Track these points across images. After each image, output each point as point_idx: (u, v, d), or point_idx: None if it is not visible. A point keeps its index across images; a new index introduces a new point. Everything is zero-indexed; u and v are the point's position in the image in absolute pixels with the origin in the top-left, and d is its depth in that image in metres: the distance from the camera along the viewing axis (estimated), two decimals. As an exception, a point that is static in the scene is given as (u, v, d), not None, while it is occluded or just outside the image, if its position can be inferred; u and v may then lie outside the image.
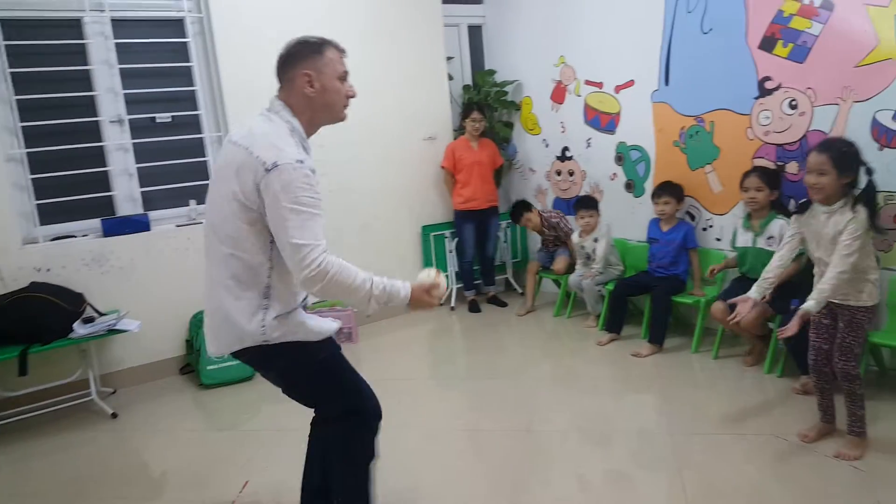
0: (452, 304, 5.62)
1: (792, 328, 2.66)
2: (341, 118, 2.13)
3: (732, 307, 2.99)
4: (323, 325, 2.09)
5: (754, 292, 2.92)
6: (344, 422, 2.17)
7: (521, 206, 5.36)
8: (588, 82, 5.04)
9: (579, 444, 3.12)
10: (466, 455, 3.13)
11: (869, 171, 2.69)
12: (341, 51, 2.08)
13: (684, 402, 3.47)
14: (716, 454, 2.90)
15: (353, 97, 2.11)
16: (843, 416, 2.84)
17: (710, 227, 4.36)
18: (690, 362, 4.01)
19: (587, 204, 4.86)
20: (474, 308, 5.51)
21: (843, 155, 2.65)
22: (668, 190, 4.34)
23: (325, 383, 2.14)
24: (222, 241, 1.98)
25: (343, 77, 2.07)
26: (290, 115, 2.02)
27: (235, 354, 2.05)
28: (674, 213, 4.35)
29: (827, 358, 2.84)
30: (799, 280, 3.53)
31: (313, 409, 2.24)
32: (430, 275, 2.06)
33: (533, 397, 3.67)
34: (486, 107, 5.61)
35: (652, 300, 4.29)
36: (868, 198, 2.66)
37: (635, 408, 3.49)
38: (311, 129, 2.08)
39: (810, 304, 2.65)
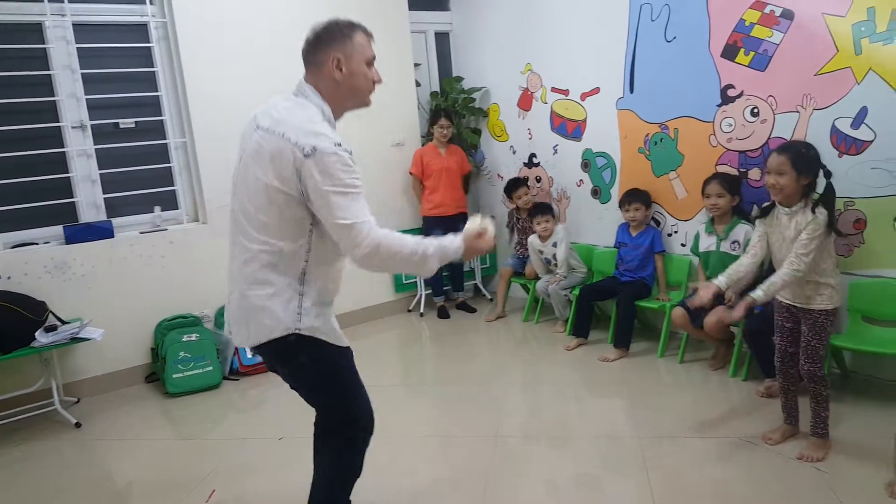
0: (421, 310, 5.61)
1: (738, 313, 2.72)
2: (366, 104, 2.13)
3: (689, 311, 3.01)
4: (343, 336, 2.11)
5: (721, 281, 2.90)
6: (340, 436, 2.18)
7: (520, 182, 5.29)
8: (554, 89, 5.09)
9: (548, 449, 3.14)
10: (435, 461, 3.13)
11: (827, 174, 2.76)
12: (369, 35, 2.08)
13: (651, 405, 3.51)
14: (682, 457, 2.94)
15: (379, 83, 2.11)
16: (806, 418, 2.91)
17: (676, 232, 4.43)
18: (657, 366, 4.07)
19: (542, 210, 4.91)
20: (443, 314, 5.52)
21: (802, 156, 2.72)
22: (638, 196, 4.40)
23: (336, 388, 2.14)
24: (257, 229, 1.95)
25: (370, 62, 2.06)
26: (320, 100, 2.01)
27: (258, 348, 2.03)
28: (644, 219, 4.42)
29: (793, 360, 2.90)
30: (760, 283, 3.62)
31: (315, 412, 2.24)
32: (476, 222, 2.10)
33: (502, 403, 3.69)
34: (454, 113, 5.63)
35: (617, 305, 4.34)
36: (827, 200, 2.73)
37: (603, 412, 3.52)
38: (338, 113, 2.07)
39: (758, 293, 2.70)
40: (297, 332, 1.95)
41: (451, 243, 2.03)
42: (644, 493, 2.66)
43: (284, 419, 3.63)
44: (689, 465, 2.86)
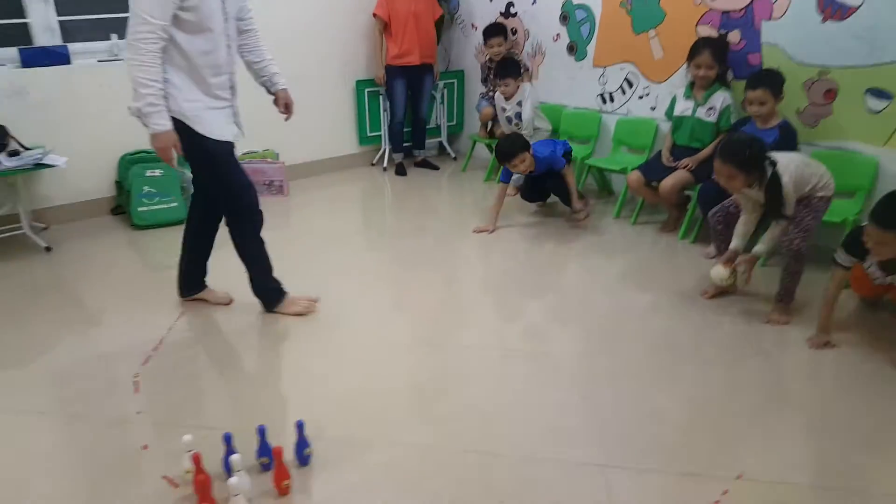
0: (385, 164, 5.58)
1: (746, 260, 2.96)
2: None
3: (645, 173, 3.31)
4: (215, 128, 2.58)
5: (738, 244, 3.04)
6: (229, 219, 2.81)
7: (500, 30, 5.01)
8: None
9: (494, 298, 3.31)
10: (387, 301, 3.28)
11: (772, 163, 2.79)
12: None
13: (599, 262, 3.65)
14: (622, 307, 3.12)
15: None
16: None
17: (647, 94, 4.40)
18: (610, 226, 4.18)
19: (505, 71, 4.64)
20: (401, 171, 5.45)
21: (745, 159, 2.74)
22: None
23: (213, 174, 2.67)
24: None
25: None
26: None
27: None
28: (531, 162, 3.99)
29: (725, 216, 3.13)
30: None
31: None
32: None
33: (455, 256, 3.77)
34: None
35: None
36: (774, 188, 2.79)
37: (551, 266, 3.65)
38: None
39: (760, 248, 2.90)
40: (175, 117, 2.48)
41: (157, 122, 2.44)
42: (581, 336, 2.84)
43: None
44: (628, 314, 3.05)
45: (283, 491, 1.93)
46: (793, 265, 2.91)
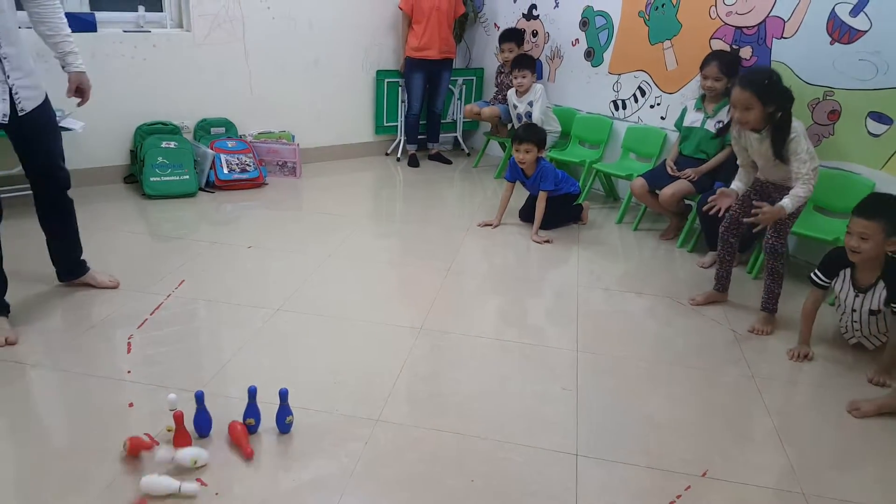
0: (399, 154, 5.66)
1: (767, 220, 2.77)
2: None
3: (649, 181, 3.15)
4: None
5: (739, 187, 3.02)
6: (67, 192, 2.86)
7: (514, 35, 5.10)
8: (565, -61, 4.89)
9: (492, 289, 3.38)
10: (385, 285, 3.36)
11: (790, 99, 2.75)
12: None
13: (598, 264, 3.71)
14: (616, 308, 3.18)
15: None
16: (733, 290, 3.12)
17: (658, 104, 4.45)
18: (612, 231, 4.24)
19: (523, 63, 4.75)
20: (413, 162, 5.52)
21: (766, 87, 2.67)
22: (532, 136, 4.02)
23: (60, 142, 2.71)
24: None
25: None
26: None
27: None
28: (533, 161, 4.02)
29: (737, 230, 3.07)
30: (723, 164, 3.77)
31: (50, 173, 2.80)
32: None
33: (457, 247, 3.82)
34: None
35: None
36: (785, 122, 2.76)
37: (552, 265, 3.70)
38: None
39: (786, 202, 2.72)
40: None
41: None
42: (570, 333, 2.89)
43: (256, 232, 3.82)
44: (619, 313, 3.12)
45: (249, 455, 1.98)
46: (772, 266, 2.96)
